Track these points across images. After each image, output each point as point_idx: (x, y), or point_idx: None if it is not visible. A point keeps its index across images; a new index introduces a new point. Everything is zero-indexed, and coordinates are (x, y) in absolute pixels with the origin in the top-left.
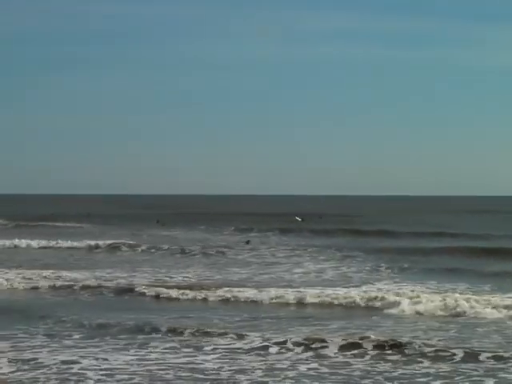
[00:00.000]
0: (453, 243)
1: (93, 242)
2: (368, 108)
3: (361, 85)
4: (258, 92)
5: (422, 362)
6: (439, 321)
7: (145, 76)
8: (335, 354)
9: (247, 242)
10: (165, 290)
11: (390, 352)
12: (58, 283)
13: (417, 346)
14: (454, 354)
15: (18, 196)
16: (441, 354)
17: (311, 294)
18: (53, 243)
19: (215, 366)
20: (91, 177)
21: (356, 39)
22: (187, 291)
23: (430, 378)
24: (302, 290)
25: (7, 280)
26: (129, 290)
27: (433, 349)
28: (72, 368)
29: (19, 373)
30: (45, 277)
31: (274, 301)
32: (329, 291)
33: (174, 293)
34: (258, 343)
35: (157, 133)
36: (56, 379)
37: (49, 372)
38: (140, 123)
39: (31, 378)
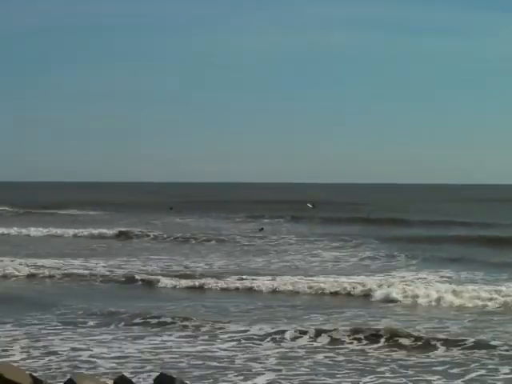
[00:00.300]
0: (464, 232)
1: (106, 230)
2: (377, 97)
3: (372, 73)
4: (265, 80)
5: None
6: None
7: (149, 67)
8: (349, 342)
9: (261, 230)
10: (183, 281)
11: (405, 341)
12: (72, 271)
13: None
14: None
15: (19, 184)
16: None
17: (328, 283)
18: (67, 231)
19: (229, 354)
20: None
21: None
22: (202, 280)
23: (447, 366)
24: (319, 278)
25: (18, 269)
26: (143, 279)
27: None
28: (83, 356)
29: (30, 360)
30: (57, 267)
31: (289, 287)
32: (346, 279)
33: (188, 282)
34: (272, 331)
35: (168, 121)
36: (68, 366)
37: (60, 359)
38: (150, 112)
39: (43, 365)
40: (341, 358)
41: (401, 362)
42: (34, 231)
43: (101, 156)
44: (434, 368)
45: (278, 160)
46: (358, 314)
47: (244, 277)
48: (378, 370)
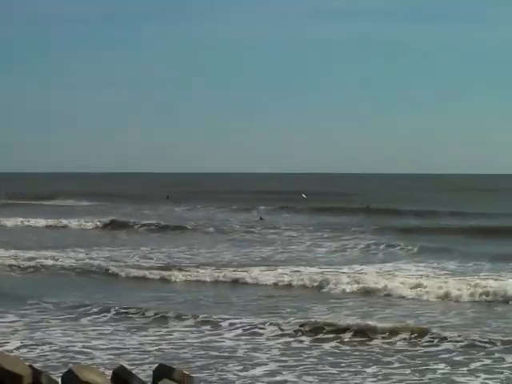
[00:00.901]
0: (461, 222)
1: (108, 220)
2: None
3: (362, 61)
4: (267, 68)
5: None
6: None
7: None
8: (352, 336)
9: (260, 219)
10: (191, 273)
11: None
12: (67, 262)
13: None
14: None
15: (16, 174)
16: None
17: (334, 274)
18: (62, 222)
19: (232, 344)
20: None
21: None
22: (202, 270)
23: (453, 353)
24: (324, 268)
25: (15, 260)
26: (145, 270)
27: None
28: (80, 347)
29: (25, 349)
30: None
31: (297, 282)
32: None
33: (192, 273)
34: (274, 322)
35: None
36: (65, 357)
37: (57, 351)
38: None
39: (40, 356)
40: (346, 347)
41: (407, 352)
42: (22, 222)
43: (92, 145)
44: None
45: (269, 150)
46: (359, 305)
47: (248, 268)
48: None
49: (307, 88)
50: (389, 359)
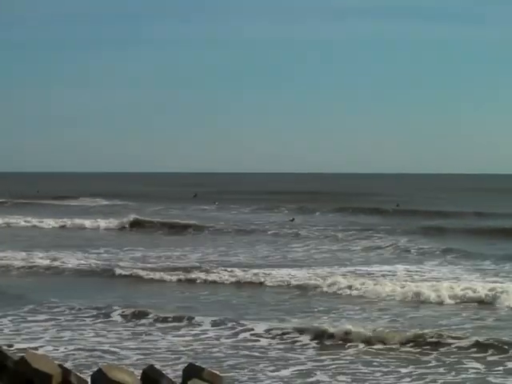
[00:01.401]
0: (489, 223)
1: (135, 219)
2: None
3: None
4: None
5: None
6: None
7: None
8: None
9: (291, 220)
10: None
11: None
12: (99, 264)
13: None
14: None
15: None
16: None
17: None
18: (86, 223)
19: (264, 344)
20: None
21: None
22: (238, 271)
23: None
24: (359, 267)
25: (43, 260)
26: (183, 271)
27: None
28: (111, 348)
29: (55, 349)
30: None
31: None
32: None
33: (229, 273)
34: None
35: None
36: (92, 356)
37: (85, 349)
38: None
39: (67, 354)
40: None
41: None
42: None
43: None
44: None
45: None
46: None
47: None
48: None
49: (308, 87)
50: (425, 358)
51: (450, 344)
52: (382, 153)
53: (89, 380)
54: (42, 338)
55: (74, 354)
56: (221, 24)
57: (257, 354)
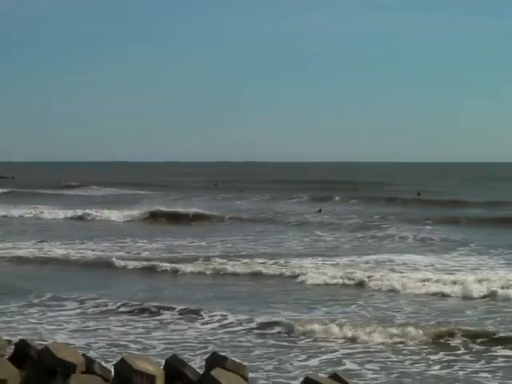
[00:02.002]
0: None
1: (162, 210)
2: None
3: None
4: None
5: None
6: None
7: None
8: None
9: (319, 211)
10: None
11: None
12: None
13: None
14: None
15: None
16: None
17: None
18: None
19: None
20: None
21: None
22: (271, 263)
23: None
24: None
25: (74, 251)
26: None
27: None
28: (135, 338)
29: (79, 338)
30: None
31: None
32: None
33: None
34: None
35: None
36: (117, 346)
37: (110, 340)
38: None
39: (93, 346)
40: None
41: None
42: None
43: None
44: None
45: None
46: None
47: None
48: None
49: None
50: (454, 346)
51: (478, 335)
52: (395, 142)
53: (112, 369)
54: (66, 328)
55: (97, 343)
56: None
57: (286, 343)
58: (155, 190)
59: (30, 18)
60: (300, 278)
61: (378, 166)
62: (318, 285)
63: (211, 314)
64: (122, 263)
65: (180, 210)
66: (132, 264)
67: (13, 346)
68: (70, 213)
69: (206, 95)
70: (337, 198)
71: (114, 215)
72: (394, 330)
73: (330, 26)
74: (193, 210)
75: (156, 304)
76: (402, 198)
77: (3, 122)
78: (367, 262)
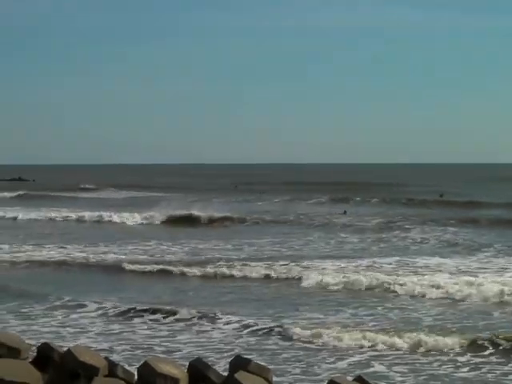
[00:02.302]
0: None
1: (183, 213)
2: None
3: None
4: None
5: None
6: None
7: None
8: None
9: (344, 213)
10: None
11: None
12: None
13: None
14: None
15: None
16: None
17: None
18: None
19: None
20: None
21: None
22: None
23: None
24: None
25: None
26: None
27: None
28: (159, 342)
29: (103, 342)
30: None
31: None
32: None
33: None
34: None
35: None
36: (142, 349)
37: (134, 345)
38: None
39: (115, 349)
40: None
41: None
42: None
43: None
44: None
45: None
46: None
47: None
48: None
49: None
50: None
51: (506, 338)
52: (393, 142)
53: (135, 373)
54: (89, 331)
55: (121, 346)
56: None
57: (313, 346)
58: (172, 191)
59: (29, 17)
60: (324, 281)
61: (380, 168)
62: (343, 287)
63: (237, 316)
64: (148, 267)
65: (202, 212)
66: (156, 267)
67: (36, 350)
68: (90, 215)
69: (206, 94)
70: (358, 199)
71: (135, 218)
72: (421, 333)
73: (329, 26)
74: (215, 212)
75: (180, 307)
76: (421, 199)
77: (27, 126)
78: (390, 264)
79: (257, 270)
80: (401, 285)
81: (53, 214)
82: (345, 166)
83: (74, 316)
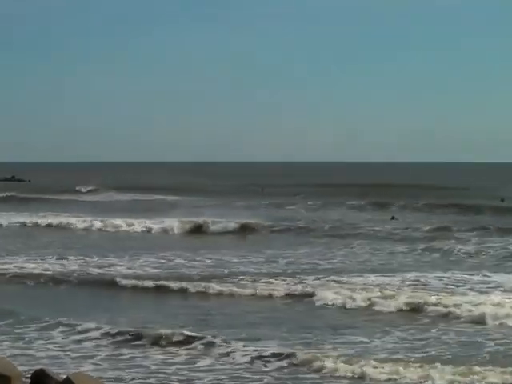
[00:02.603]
0: None
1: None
2: None
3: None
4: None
5: None
6: None
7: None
8: None
9: (392, 219)
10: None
11: None
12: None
13: None
14: None
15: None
16: None
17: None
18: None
19: None
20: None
21: None
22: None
23: None
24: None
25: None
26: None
27: None
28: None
29: (110, 372)
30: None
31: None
32: None
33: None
34: None
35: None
36: (153, 378)
37: (141, 371)
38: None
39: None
40: None
41: None
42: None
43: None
44: None
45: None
46: None
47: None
48: None
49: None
50: None
51: None
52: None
53: None
54: (94, 356)
55: (130, 375)
56: None
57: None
58: (185, 194)
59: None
60: (371, 298)
61: (414, 167)
62: (387, 305)
63: (265, 342)
64: (165, 283)
65: (225, 219)
66: (174, 285)
67: (30, 376)
68: (95, 223)
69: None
70: (401, 203)
71: (146, 225)
72: (487, 364)
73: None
74: (241, 218)
75: (200, 329)
76: (478, 204)
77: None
78: (441, 279)
79: (294, 288)
80: (455, 306)
81: (40, 221)
82: (371, 165)
83: (76, 338)
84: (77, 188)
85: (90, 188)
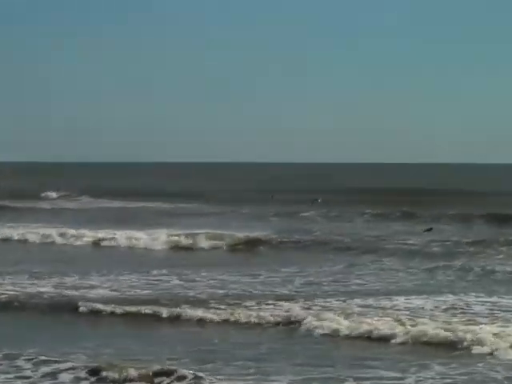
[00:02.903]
0: None
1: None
2: None
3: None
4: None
5: None
6: None
7: None
8: None
9: (428, 230)
10: None
11: None
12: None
13: None
14: None
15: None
16: None
17: None
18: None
19: None
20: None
21: None
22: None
23: None
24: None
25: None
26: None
27: None
28: None
29: None
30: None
31: None
32: None
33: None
34: None
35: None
36: None
37: None
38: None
39: None
40: None
41: None
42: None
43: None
44: None
45: None
46: None
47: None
48: None
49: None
50: None
51: None
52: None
53: None
54: None
55: None
56: None
57: None
58: (180, 201)
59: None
60: (399, 327)
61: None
62: (423, 334)
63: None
64: (163, 310)
65: (234, 231)
66: (165, 311)
67: None
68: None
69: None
70: (434, 212)
71: (134, 239)
72: None
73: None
74: (251, 231)
75: (202, 369)
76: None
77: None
78: (484, 304)
79: (314, 313)
80: (495, 334)
81: (20, 232)
82: (387, 167)
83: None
84: (42, 195)
85: (61, 194)
